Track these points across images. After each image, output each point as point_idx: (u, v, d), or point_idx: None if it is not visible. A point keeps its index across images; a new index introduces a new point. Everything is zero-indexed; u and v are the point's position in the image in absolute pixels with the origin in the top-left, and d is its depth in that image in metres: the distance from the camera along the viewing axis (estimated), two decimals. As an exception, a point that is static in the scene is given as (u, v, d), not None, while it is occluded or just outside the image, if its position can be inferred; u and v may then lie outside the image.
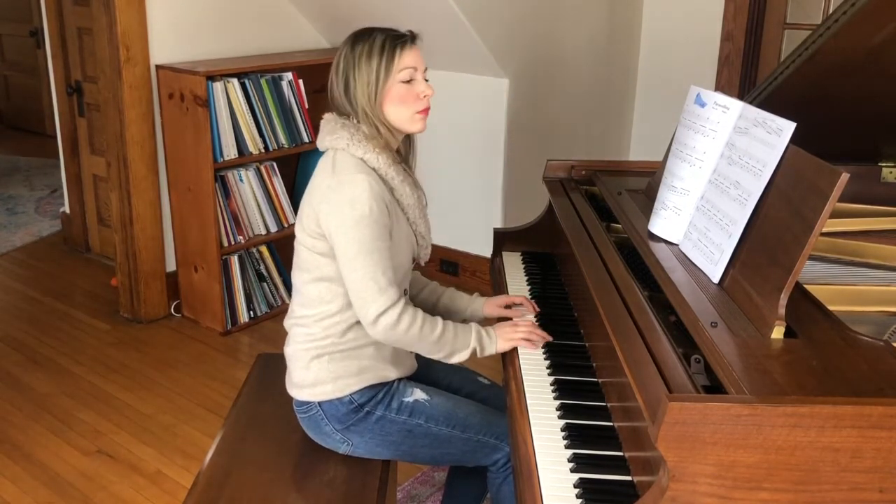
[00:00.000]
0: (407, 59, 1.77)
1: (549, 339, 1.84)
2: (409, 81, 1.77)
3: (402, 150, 1.88)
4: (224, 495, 1.72)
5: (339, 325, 1.80)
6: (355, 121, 1.80)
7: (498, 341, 1.83)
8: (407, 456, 1.87)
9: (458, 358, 1.82)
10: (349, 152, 1.75)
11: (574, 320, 1.94)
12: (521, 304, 2.00)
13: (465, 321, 1.91)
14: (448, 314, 2.03)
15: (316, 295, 1.80)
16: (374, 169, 1.76)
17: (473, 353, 1.82)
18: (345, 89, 1.78)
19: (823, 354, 1.27)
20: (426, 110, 1.81)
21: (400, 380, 1.87)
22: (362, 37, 1.78)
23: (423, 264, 1.96)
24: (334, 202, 1.71)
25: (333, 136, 1.78)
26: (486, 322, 1.97)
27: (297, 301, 1.87)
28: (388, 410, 1.81)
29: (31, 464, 2.64)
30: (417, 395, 1.84)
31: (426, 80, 1.80)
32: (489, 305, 2.02)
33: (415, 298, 2.02)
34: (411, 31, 1.81)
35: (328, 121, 1.83)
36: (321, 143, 1.82)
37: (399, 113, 1.78)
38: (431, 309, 2.04)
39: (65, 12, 4.06)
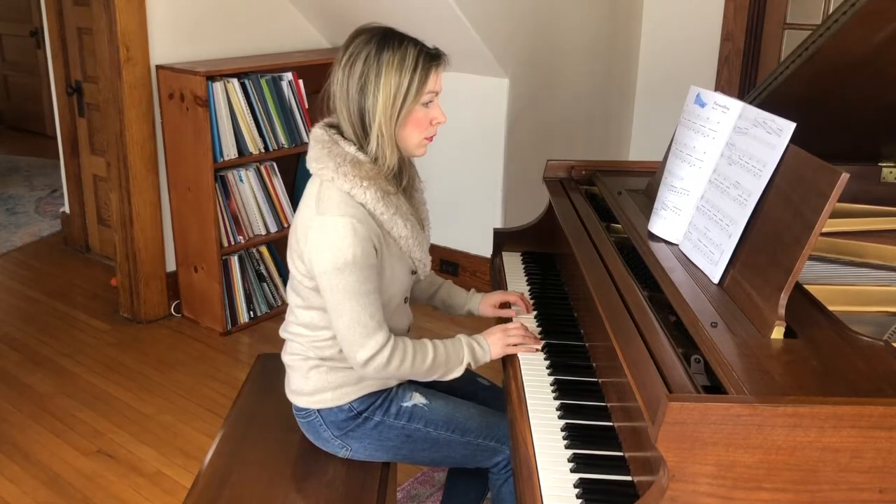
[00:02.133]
0: (437, 83, 1.68)
1: (539, 344, 1.82)
2: (426, 104, 1.68)
3: (399, 172, 1.76)
4: (224, 495, 1.72)
5: (335, 346, 1.76)
6: (346, 140, 1.68)
7: (491, 350, 1.80)
8: (407, 459, 1.86)
9: (454, 375, 1.79)
10: (335, 185, 1.65)
11: (574, 320, 1.94)
12: (515, 303, 1.99)
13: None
14: (445, 308, 2.04)
15: (309, 320, 1.78)
16: (361, 203, 1.66)
17: (468, 366, 1.80)
18: (359, 92, 1.65)
19: (823, 354, 1.27)
20: (432, 137, 1.74)
21: (399, 385, 1.85)
22: (390, 42, 1.65)
23: (422, 278, 1.90)
24: (317, 246, 1.63)
25: (320, 165, 1.67)
26: (482, 322, 1.96)
27: (291, 319, 1.83)
28: (386, 416, 1.80)
29: (31, 464, 2.64)
30: (416, 399, 1.82)
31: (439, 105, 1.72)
32: (485, 305, 2.02)
33: (412, 289, 1.99)
34: (439, 50, 1.70)
35: (316, 140, 1.71)
36: (308, 165, 1.72)
37: (410, 136, 1.70)
38: (428, 300, 2.04)
39: (65, 12, 4.06)
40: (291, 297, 1.82)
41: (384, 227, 1.70)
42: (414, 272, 1.84)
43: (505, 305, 2.02)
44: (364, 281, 1.64)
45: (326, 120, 1.77)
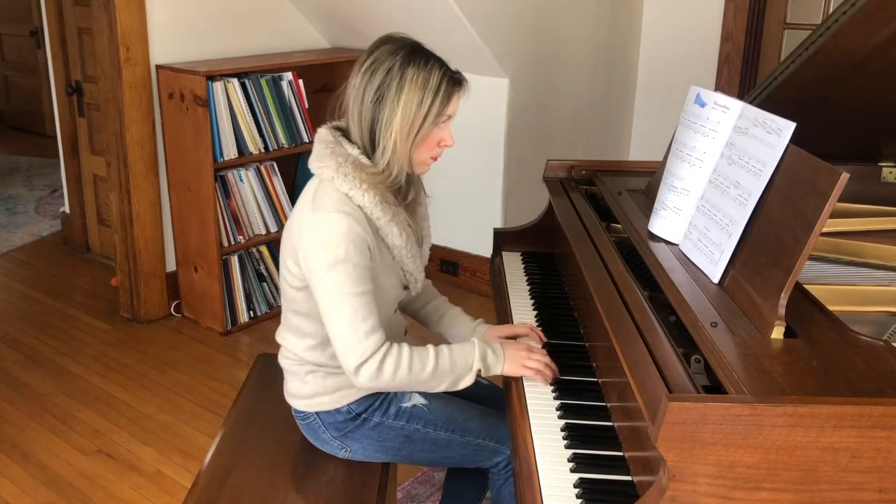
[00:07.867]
0: (455, 107, 1.66)
1: (557, 375, 1.69)
2: (438, 125, 1.66)
3: (407, 186, 1.75)
4: (224, 495, 1.72)
5: (325, 353, 1.74)
6: (351, 143, 1.65)
7: (505, 363, 1.70)
8: (406, 460, 1.86)
9: (464, 384, 1.70)
10: (334, 185, 1.62)
11: (574, 320, 1.94)
12: (525, 335, 1.85)
13: None
14: (445, 340, 1.93)
15: (296, 325, 1.76)
16: (358, 206, 1.62)
17: (478, 373, 1.70)
18: (375, 102, 1.61)
19: (823, 354, 1.27)
20: (437, 157, 1.72)
21: None
22: (416, 58, 1.61)
23: (413, 294, 1.86)
24: (310, 242, 1.60)
25: (321, 164, 1.64)
26: None
27: (284, 322, 1.82)
28: (385, 416, 1.79)
29: (31, 464, 2.64)
30: (416, 399, 1.81)
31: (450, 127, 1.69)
32: (491, 337, 1.86)
33: (419, 311, 1.98)
34: (461, 74, 1.67)
35: (320, 140, 1.69)
36: (310, 164, 1.69)
37: (417, 155, 1.67)
38: (434, 326, 1.99)
39: (65, 12, 4.06)
40: (283, 301, 1.80)
41: (379, 233, 1.67)
42: (406, 287, 1.80)
43: (513, 338, 1.87)
44: (357, 282, 1.60)
45: (334, 123, 1.74)
